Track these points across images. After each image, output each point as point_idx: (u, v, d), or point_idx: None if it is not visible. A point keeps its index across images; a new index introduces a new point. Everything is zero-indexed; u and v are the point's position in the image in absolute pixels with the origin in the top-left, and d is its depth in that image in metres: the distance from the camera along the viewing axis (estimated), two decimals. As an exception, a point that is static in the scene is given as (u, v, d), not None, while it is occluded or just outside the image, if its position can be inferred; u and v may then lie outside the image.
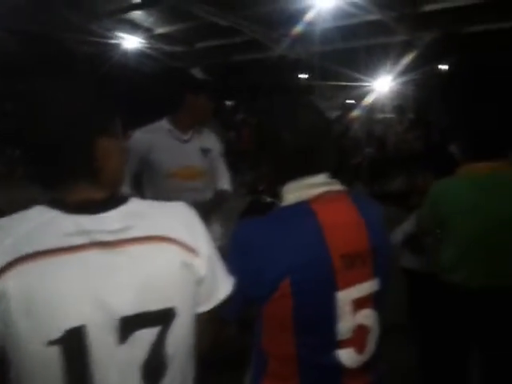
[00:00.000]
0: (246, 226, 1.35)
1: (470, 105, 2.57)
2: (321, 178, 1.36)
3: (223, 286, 1.15)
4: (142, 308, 0.97)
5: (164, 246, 1.01)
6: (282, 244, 1.25)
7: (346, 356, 1.31)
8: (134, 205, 1.05)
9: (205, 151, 2.97)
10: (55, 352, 0.89)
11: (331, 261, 1.26)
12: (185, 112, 2.88)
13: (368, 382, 1.36)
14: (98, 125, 1.02)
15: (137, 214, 1.02)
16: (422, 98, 10.01)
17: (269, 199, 1.69)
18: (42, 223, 0.95)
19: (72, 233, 0.94)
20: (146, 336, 0.98)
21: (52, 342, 0.89)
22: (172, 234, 1.03)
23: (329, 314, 1.28)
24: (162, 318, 1.00)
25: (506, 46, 7.95)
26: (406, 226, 2.84)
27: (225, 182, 3.08)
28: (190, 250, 1.04)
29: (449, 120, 2.54)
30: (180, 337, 1.03)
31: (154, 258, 1.00)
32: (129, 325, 0.95)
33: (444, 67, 11.53)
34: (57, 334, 0.89)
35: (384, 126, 10.46)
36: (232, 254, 1.30)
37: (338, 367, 1.30)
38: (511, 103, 2.52)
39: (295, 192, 1.34)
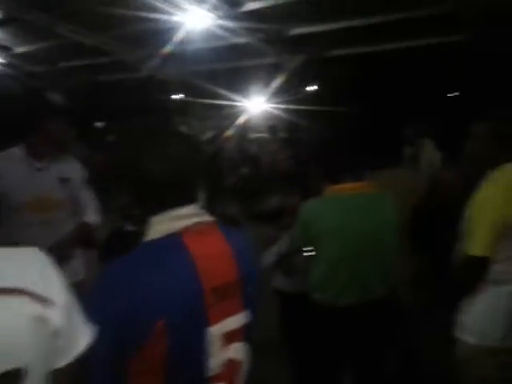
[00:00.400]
0: (115, 265, 1.23)
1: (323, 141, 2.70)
2: (190, 209, 1.30)
3: (83, 335, 1.05)
4: None
5: (11, 298, 0.90)
6: (155, 283, 1.17)
7: None
8: None
9: (63, 180, 2.76)
10: None
11: (203, 296, 1.21)
12: (40, 139, 2.67)
13: None
14: None
15: None
16: (292, 119, 10.41)
17: (131, 228, 1.59)
18: None
19: None
20: None
21: None
22: (21, 285, 0.92)
23: (200, 351, 1.23)
24: (9, 380, 0.89)
25: (370, 68, 8.54)
26: (278, 247, 2.85)
27: (89, 214, 2.88)
28: (43, 300, 0.94)
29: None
30: None
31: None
32: None
33: (312, 89, 12.13)
34: None
35: (258, 146, 10.69)
36: (101, 297, 1.18)
37: None
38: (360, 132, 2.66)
39: (164, 224, 1.26)
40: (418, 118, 6.11)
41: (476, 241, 2.12)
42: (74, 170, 2.88)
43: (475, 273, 2.17)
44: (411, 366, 3.25)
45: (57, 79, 9.64)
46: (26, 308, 0.91)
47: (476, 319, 2.19)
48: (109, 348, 1.14)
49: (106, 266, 1.23)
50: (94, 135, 9.57)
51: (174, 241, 1.25)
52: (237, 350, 1.31)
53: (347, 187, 2.31)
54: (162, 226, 1.27)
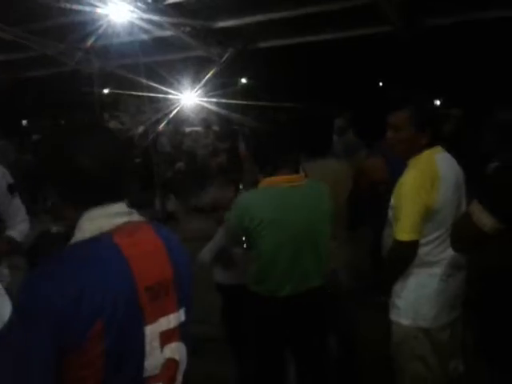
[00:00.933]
0: (46, 266, 1.20)
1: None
2: (120, 206, 1.29)
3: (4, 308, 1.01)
4: None
5: None
6: (90, 283, 1.14)
7: None
8: None
9: None
10: None
11: (138, 295, 1.20)
12: None
13: None
14: None
15: None
16: (225, 112, 10.39)
17: (58, 229, 1.54)
18: None
19: None
20: None
21: None
22: None
23: (137, 351, 1.21)
24: None
25: (299, 58, 8.66)
26: (215, 242, 2.85)
27: (12, 226, 2.75)
28: None
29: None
30: None
31: None
32: None
33: (243, 80, 12.16)
34: None
35: (192, 140, 10.60)
36: (34, 299, 1.13)
37: None
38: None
39: (94, 222, 1.24)
40: (344, 108, 6.25)
41: (403, 226, 2.21)
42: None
43: (406, 257, 2.26)
44: (351, 351, 3.35)
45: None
46: None
47: (409, 301, 2.29)
48: (46, 349, 1.11)
49: (37, 268, 1.19)
50: (19, 134, 9.16)
51: (105, 242, 1.23)
52: (174, 350, 1.30)
53: (282, 179, 2.33)
54: (91, 224, 1.25)
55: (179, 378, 1.33)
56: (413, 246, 2.22)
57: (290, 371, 2.61)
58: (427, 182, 2.20)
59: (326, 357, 2.56)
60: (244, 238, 2.41)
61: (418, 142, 2.28)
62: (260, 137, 2.47)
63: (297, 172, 2.42)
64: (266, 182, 2.36)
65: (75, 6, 6.09)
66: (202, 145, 9.95)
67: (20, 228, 2.78)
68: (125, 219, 1.29)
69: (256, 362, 2.50)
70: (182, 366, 1.34)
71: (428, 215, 2.20)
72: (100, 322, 1.13)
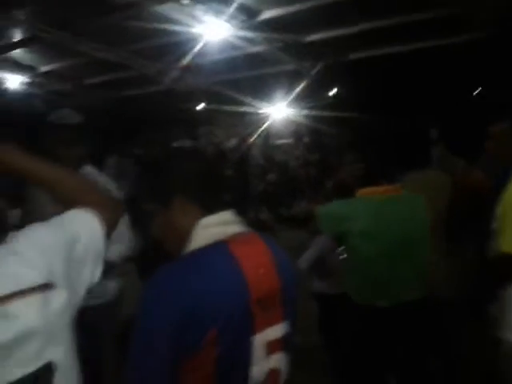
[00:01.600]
0: (165, 273, 1.25)
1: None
2: (231, 215, 1.35)
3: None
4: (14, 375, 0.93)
5: (25, 300, 0.97)
6: (207, 291, 1.19)
7: None
8: None
9: None
10: None
11: (250, 306, 1.24)
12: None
13: None
14: None
15: None
16: (315, 124, 10.39)
17: None
18: None
19: None
20: None
21: None
22: (26, 283, 0.99)
23: (245, 360, 1.25)
24: (43, 374, 0.97)
25: (389, 69, 8.49)
26: (312, 251, 2.88)
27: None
28: (51, 287, 1.03)
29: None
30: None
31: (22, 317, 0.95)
32: None
33: (334, 93, 12.09)
34: None
35: (283, 152, 10.71)
36: (153, 306, 1.20)
37: None
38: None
39: (210, 229, 1.30)
40: (439, 119, 6.03)
41: (507, 238, 2.11)
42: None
43: (509, 270, 2.15)
44: (453, 366, 3.22)
45: (83, 96, 9.80)
46: (44, 303, 1.01)
47: None
48: (163, 359, 1.17)
49: (155, 275, 1.25)
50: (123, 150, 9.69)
51: (221, 249, 1.28)
52: (278, 360, 1.33)
53: (379, 190, 2.32)
54: (206, 232, 1.30)
55: None
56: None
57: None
58: None
59: (427, 372, 2.49)
60: (341, 248, 2.42)
61: None
62: (358, 148, 2.46)
63: (393, 183, 2.40)
64: (363, 192, 2.35)
65: (172, 27, 6.38)
66: (293, 156, 10.02)
67: (116, 247, 2.60)
68: (236, 228, 1.35)
69: (354, 374, 2.48)
70: (284, 376, 1.37)
71: None
72: (215, 329, 1.18)
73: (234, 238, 1.31)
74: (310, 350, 3.36)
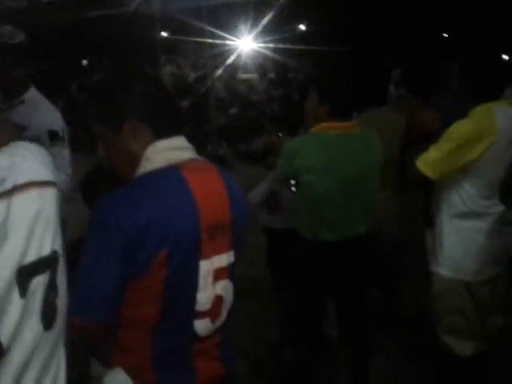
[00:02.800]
0: (117, 194, 1.25)
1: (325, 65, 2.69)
2: (184, 141, 1.35)
3: None
4: (37, 255, 0.97)
5: (48, 189, 1.02)
6: (159, 213, 1.21)
7: (202, 326, 1.33)
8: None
9: (19, 128, 2.50)
10: None
11: (200, 231, 1.27)
12: (9, 77, 2.50)
13: (217, 342, 1.39)
14: None
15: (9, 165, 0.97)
16: (281, 59, 10.24)
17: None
18: None
19: None
20: (40, 282, 0.98)
21: None
22: (49, 177, 1.04)
23: (192, 285, 1.29)
24: (53, 262, 1.01)
25: (359, 5, 8.35)
26: (263, 186, 2.92)
27: None
28: (58, 188, 1.08)
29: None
30: (63, 278, 1.06)
31: (37, 204, 0.99)
32: (25, 275, 0.94)
33: (302, 27, 11.85)
34: None
35: (247, 86, 10.55)
36: (100, 233, 1.22)
37: (192, 336, 1.32)
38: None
39: (162, 153, 1.29)
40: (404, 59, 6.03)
41: (428, 157, 2.22)
42: (40, 118, 2.59)
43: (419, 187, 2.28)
44: (391, 300, 3.41)
45: (42, 15, 9.29)
46: (55, 196, 1.05)
47: (452, 254, 2.30)
48: (111, 275, 1.20)
49: (106, 197, 1.25)
50: (80, 74, 9.37)
51: (173, 173, 1.28)
52: (223, 288, 1.36)
53: (334, 126, 2.34)
54: (159, 156, 1.29)
55: (224, 314, 1.40)
56: (429, 183, 2.27)
57: (329, 315, 2.71)
58: (477, 134, 2.16)
59: (365, 303, 2.63)
60: (293, 182, 2.45)
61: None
62: (327, 80, 2.44)
63: (349, 120, 2.42)
64: (318, 128, 2.37)
65: None
66: (256, 91, 9.91)
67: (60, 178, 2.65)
68: (188, 154, 1.35)
69: (298, 304, 2.59)
70: (228, 304, 1.40)
71: (467, 168, 2.18)
72: (164, 251, 1.20)
73: (187, 164, 1.31)
74: (254, 279, 3.47)
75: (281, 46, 10.30)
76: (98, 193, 1.27)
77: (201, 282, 1.29)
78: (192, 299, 1.30)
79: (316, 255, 2.42)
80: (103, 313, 1.23)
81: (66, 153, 2.65)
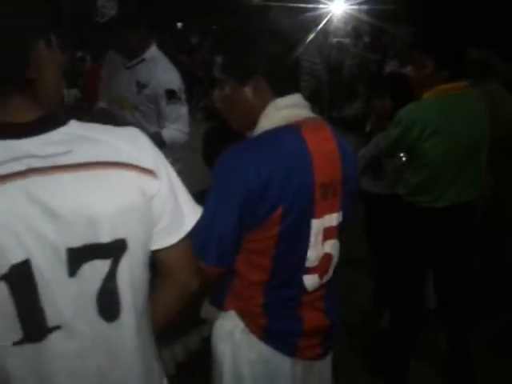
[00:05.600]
0: (240, 147, 1.30)
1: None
2: (300, 97, 1.36)
3: (190, 214, 1.07)
4: (91, 239, 0.89)
5: (118, 171, 0.92)
6: (280, 168, 1.24)
7: (310, 281, 1.38)
8: (76, 127, 0.93)
9: (140, 86, 2.71)
10: (4, 287, 0.84)
11: (314, 191, 1.29)
12: (125, 40, 2.66)
13: (322, 295, 1.44)
14: (39, 29, 0.89)
15: (80, 138, 0.91)
16: (376, 22, 9.85)
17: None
18: None
19: (4, 160, 0.83)
20: (96, 269, 0.91)
21: None
22: (128, 160, 0.94)
23: (304, 242, 1.33)
24: (113, 249, 0.92)
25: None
26: (367, 151, 2.85)
27: (166, 129, 2.72)
28: (149, 172, 0.96)
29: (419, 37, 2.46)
30: (133, 269, 0.96)
31: (103, 184, 0.90)
32: (77, 257, 0.88)
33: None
34: (1, 270, 0.83)
35: (339, 51, 10.30)
36: (223, 182, 1.26)
37: (300, 289, 1.38)
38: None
39: (281, 111, 1.31)
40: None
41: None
42: (158, 77, 2.71)
43: None
44: (495, 269, 3.29)
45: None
46: (132, 180, 0.94)
47: None
48: (232, 222, 1.26)
49: (231, 150, 1.29)
50: (176, 36, 9.53)
51: (293, 132, 1.31)
52: (332, 246, 1.40)
53: (451, 87, 2.24)
54: (277, 114, 1.32)
55: (331, 271, 1.44)
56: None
57: (427, 284, 2.65)
58: None
59: (466, 274, 2.54)
60: (402, 154, 2.40)
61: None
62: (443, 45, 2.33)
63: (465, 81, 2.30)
64: (434, 91, 2.27)
65: None
66: (350, 56, 9.64)
67: (173, 133, 2.73)
68: (305, 112, 1.37)
69: (398, 272, 2.55)
70: (335, 262, 1.44)
71: None
72: (280, 208, 1.24)
73: (305, 123, 1.33)
74: (350, 247, 3.43)
75: (375, 8, 9.91)
76: (217, 151, 1.29)
77: (312, 239, 1.33)
78: (303, 256, 1.34)
79: (422, 222, 2.37)
80: (219, 258, 1.29)
81: (183, 110, 2.78)
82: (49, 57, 0.90)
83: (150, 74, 2.70)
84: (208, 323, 1.49)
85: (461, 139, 2.23)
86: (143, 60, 2.72)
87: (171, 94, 2.70)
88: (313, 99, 8.35)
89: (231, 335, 1.38)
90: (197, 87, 9.71)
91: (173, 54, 9.33)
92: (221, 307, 1.42)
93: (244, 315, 1.38)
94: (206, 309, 1.49)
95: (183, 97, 2.77)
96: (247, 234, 1.29)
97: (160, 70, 2.73)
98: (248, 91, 1.33)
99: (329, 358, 1.54)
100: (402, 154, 2.44)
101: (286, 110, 1.32)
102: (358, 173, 1.59)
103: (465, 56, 2.33)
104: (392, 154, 2.56)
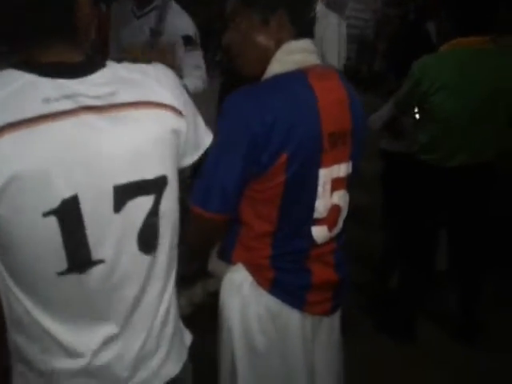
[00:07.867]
0: (247, 90, 1.27)
1: None
2: (311, 43, 1.33)
3: (205, 139, 1.15)
4: (137, 176, 0.94)
5: (156, 111, 0.97)
6: (284, 118, 1.21)
7: (319, 233, 1.36)
8: (115, 69, 0.97)
9: (154, 33, 2.65)
10: (53, 221, 0.87)
11: (321, 139, 1.26)
12: None
13: (332, 249, 1.43)
14: None
15: (121, 79, 0.96)
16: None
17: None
18: (20, 88, 0.85)
19: (56, 98, 0.86)
20: (140, 205, 0.96)
21: (48, 213, 0.86)
22: (161, 99, 0.99)
23: (311, 192, 1.30)
24: (156, 186, 0.98)
25: None
26: (385, 111, 2.78)
27: (187, 76, 2.70)
28: (179, 113, 1.01)
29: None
30: (171, 205, 1.02)
31: (147, 124, 0.95)
32: (123, 193, 0.93)
33: None
34: (51, 205, 0.86)
35: (357, 4, 10.00)
36: (227, 128, 1.24)
37: (309, 241, 1.36)
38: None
39: (292, 56, 1.28)
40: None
41: None
42: (173, 24, 2.67)
43: None
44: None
45: None
46: (168, 120, 0.99)
47: None
48: (236, 168, 1.23)
49: (235, 94, 1.26)
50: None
51: (301, 79, 1.27)
52: (340, 197, 1.37)
53: (470, 41, 2.15)
54: (289, 58, 1.28)
55: (340, 223, 1.41)
56: None
57: (441, 244, 2.63)
58: None
59: (481, 237, 2.51)
60: (416, 110, 2.33)
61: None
62: None
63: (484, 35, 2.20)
64: (449, 45, 2.19)
65: None
66: (369, 10, 9.35)
67: (194, 81, 2.71)
68: (315, 58, 1.33)
69: (411, 230, 2.52)
70: (344, 214, 1.41)
71: None
72: (285, 155, 1.21)
73: (313, 70, 1.29)
74: (362, 206, 3.41)
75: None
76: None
77: (319, 189, 1.30)
78: (311, 206, 1.31)
79: (432, 180, 2.34)
80: (220, 203, 1.26)
81: (200, 55, 2.77)
82: (87, 7, 0.94)
83: (163, 22, 2.65)
84: (214, 278, 1.49)
85: (473, 96, 2.15)
86: (155, 7, 2.66)
87: (188, 41, 2.69)
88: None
89: (240, 289, 1.37)
90: (212, 40, 9.48)
91: (188, 4, 9.12)
92: (228, 260, 1.40)
93: (251, 268, 1.37)
94: (214, 263, 1.48)
95: (198, 41, 2.75)
96: (253, 183, 1.26)
97: (174, 16, 2.69)
98: (269, 28, 1.28)
99: (338, 315, 1.53)
100: (416, 110, 2.37)
101: (298, 54, 1.28)
102: (366, 121, 1.54)
103: (495, 12, 2.21)
104: (404, 108, 2.49)
